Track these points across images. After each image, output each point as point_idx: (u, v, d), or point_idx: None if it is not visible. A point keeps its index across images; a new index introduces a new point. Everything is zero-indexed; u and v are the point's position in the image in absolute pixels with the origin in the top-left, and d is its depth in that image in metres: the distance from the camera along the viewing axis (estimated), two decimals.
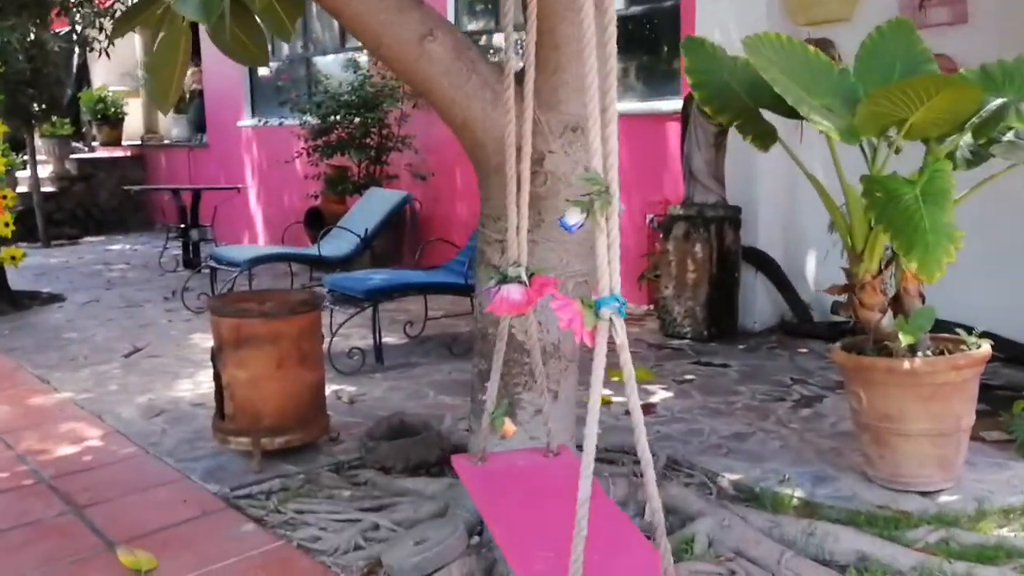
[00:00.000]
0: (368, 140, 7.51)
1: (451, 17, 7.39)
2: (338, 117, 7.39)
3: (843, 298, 3.17)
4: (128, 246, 10.76)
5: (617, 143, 1.49)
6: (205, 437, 3.75)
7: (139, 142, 12.38)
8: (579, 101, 2.55)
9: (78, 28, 5.83)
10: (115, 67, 11.62)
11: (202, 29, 2.54)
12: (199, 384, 4.70)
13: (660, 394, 4.35)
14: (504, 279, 2.00)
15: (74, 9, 5.73)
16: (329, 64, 9.05)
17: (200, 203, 8.52)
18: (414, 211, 7.55)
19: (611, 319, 1.43)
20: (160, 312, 6.64)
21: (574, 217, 1.53)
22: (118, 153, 12.33)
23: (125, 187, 8.78)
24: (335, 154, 7.58)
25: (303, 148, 7.75)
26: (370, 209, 6.91)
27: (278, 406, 3.41)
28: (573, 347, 2.76)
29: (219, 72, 10.49)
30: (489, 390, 2.12)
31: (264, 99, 10.34)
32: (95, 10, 5.78)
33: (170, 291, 7.40)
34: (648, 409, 4.07)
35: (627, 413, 1.65)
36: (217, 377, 3.47)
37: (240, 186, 8.92)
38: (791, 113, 2.94)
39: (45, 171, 11.41)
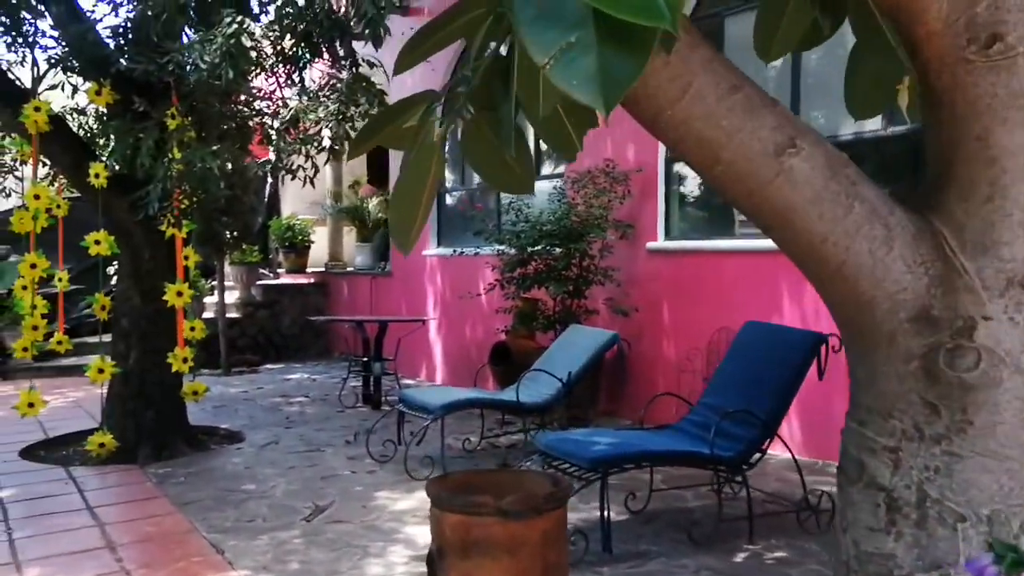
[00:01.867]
0: (567, 272, 6.82)
1: None
2: (538, 248, 6.76)
3: None
4: (307, 375, 10.45)
5: None
6: None
7: (323, 269, 12.33)
8: None
9: (283, 156, 5.49)
10: (304, 196, 11.71)
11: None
12: (391, 568, 3.92)
13: None
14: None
15: (276, 137, 5.41)
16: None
17: (385, 335, 8.03)
18: (621, 353, 6.72)
19: None
20: (342, 460, 6.01)
21: None
22: (302, 280, 12.30)
23: (310, 318, 8.46)
24: (532, 287, 6.91)
25: (497, 279, 7.14)
26: (572, 349, 6.13)
27: None
28: None
29: None
30: None
31: (450, 227, 9.98)
32: (301, 136, 5.44)
33: (352, 433, 6.81)
34: None
35: None
36: None
37: (426, 318, 8.41)
38: None
39: (231, 297, 11.46)
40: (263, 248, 12.54)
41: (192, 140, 5.46)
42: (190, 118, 5.29)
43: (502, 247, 7.13)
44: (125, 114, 5.42)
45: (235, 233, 9.54)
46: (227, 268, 10.99)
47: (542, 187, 8.48)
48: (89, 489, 5.38)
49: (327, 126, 5.14)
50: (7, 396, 9.48)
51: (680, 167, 6.94)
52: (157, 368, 6.40)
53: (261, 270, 12.37)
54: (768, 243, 2.11)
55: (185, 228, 5.87)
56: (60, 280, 5.91)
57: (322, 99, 5.35)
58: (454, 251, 7.83)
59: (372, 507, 4.88)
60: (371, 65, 5.84)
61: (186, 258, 6.07)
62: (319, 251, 12.66)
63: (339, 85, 5.30)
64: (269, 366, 11.28)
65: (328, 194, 12.01)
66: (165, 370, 6.40)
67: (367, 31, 5.22)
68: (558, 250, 6.74)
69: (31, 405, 5.64)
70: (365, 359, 8.16)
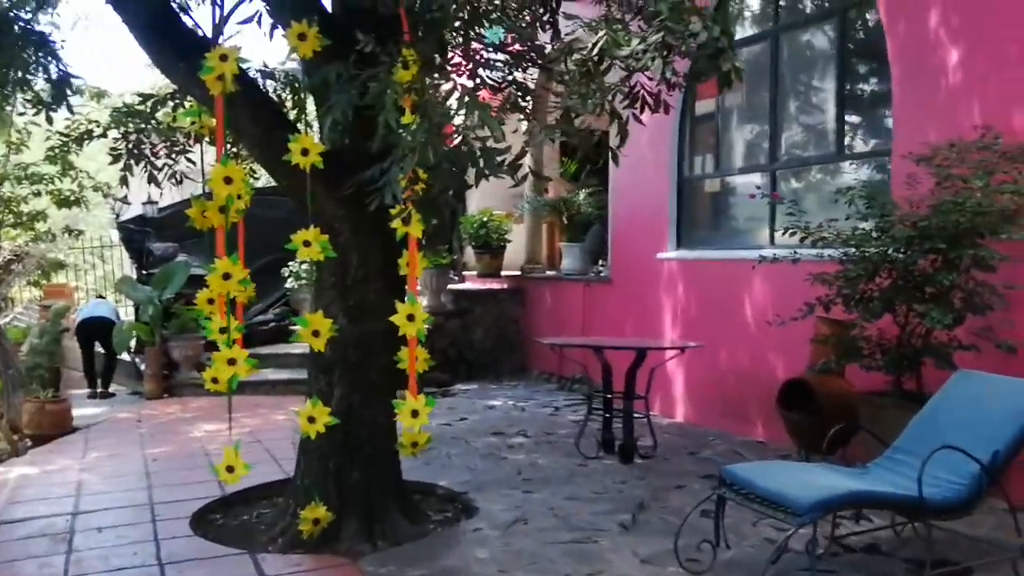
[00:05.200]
0: (952, 290, 4.67)
1: None
2: (900, 254, 4.67)
3: None
4: (510, 401, 8.71)
5: None
6: None
7: (519, 273, 10.60)
8: None
9: (578, 113, 3.64)
10: (493, 187, 10.02)
11: None
12: None
13: None
14: None
15: (575, 85, 3.57)
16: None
17: (643, 365, 6.13)
18: None
19: None
20: (631, 563, 4.12)
21: None
22: (495, 286, 10.61)
23: (551, 344, 6.65)
24: (885, 311, 4.84)
25: (827, 295, 5.08)
26: (979, 411, 4.03)
27: None
28: None
29: (633, 191, 8.37)
30: None
31: (696, 225, 8.00)
32: (595, 86, 3.58)
33: (623, 508, 4.94)
34: None
35: None
36: None
37: (692, 344, 6.46)
38: None
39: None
40: (449, 248, 10.95)
41: (431, 96, 3.72)
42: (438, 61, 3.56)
43: (830, 251, 5.08)
44: (345, 57, 3.73)
45: (429, 231, 7.92)
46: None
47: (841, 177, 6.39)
48: None
49: (651, 62, 3.26)
50: (174, 419, 8.20)
51: None
52: (368, 412, 4.75)
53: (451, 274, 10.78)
54: None
55: (413, 224, 4.13)
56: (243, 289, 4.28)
57: (628, 28, 3.52)
58: (765, 258, 5.62)
59: None
60: None
61: (405, 264, 4.36)
62: (513, 252, 10.95)
63: (655, 6, 3.42)
64: (461, 386, 9.65)
65: (531, 186, 10.22)
66: (378, 413, 4.76)
67: None
68: (930, 256, 4.62)
69: (231, 470, 4.06)
70: (607, 395, 6.30)
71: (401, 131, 3.39)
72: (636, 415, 6.19)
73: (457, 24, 3.83)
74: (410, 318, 4.09)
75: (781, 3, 7.08)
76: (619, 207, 8.79)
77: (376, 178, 3.54)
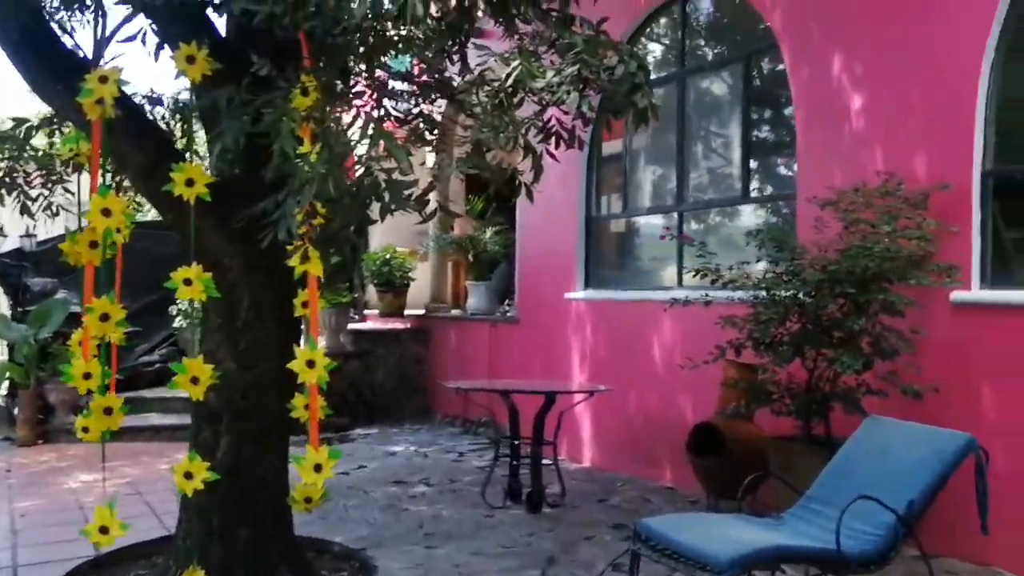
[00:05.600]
0: (861, 335, 4.64)
1: None
2: (810, 297, 4.63)
3: None
4: (413, 446, 8.39)
5: None
6: None
7: (423, 312, 10.32)
8: None
9: (488, 145, 3.45)
10: (402, 224, 9.76)
11: None
12: None
13: None
14: None
15: (486, 115, 3.37)
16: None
17: (551, 409, 5.93)
18: (980, 466, 4.45)
19: None
20: None
21: None
22: (399, 325, 10.29)
23: (456, 388, 6.34)
24: (797, 356, 4.78)
25: (737, 338, 4.99)
26: (892, 460, 3.97)
27: None
28: None
29: (541, 230, 8.24)
30: None
31: (604, 264, 7.92)
32: (507, 117, 3.40)
33: (535, 566, 4.68)
34: None
35: None
36: None
37: (602, 388, 6.30)
38: None
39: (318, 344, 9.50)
40: (350, 286, 10.58)
41: (330, 121, 3.48)
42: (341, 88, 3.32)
43: (740, 293, 5.01)
44: (238, 81, 3.45)
45: (329, 267, 7.59)
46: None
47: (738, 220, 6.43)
48: None
49: (566, 96, 3.10)
50: (48, 469, 7.54)
51: (1007, 178, 4.83)
52: (257, 464, 4.38)
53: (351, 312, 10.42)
54: None
55: (312, 262, 3.83)
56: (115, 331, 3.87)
57: (542, 60, 3.36)
58: (677, 300, 5.37)
59: None
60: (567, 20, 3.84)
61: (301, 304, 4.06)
62: (417, 291, 10.67)
63: (569, 39, 3.28)
64: (361, 431, 9.26)
65: (435, 222, 9.98)
66: (269, 466, 4.40)
67: None
68: (840, 301, 4.59)
69: (104, 531, 3.61)
70: (514, 441, 6.06)
71: (299, 160, 3.12)
72: (544, 461, 5.98)
73: (361, 50, 3.60)
74: (310, 364, 3.77)
75: (686, 47, 7.13)
76: (527, 245, 8.65)
77: (270, 211, 3.25)
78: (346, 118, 3.75)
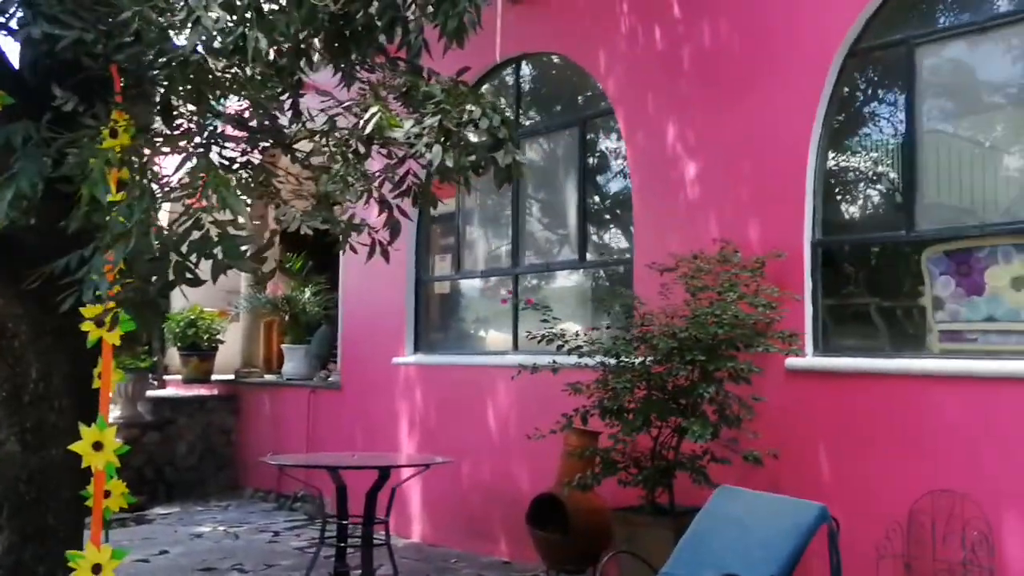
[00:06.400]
0: (709, 403, 4.58)
1: None
2: (660, 364, 4.53)
3: None
4: (221, 526, 7.62)
5: None
6: None
7: (232, 378, 9.56)
8: None
9: (340, 199, 3.09)
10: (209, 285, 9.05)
11: None
12: None
13: None
14: None
15: (338, 165, 3.02)
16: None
17: (384, 485, 5.49)
18: (832, 535, 4.41)
19: None
20: None
21: None
22: (204, 392, 9.45)
23: (271, 461, 5.75)
24: (646, 425, 4.64)
25: (583, 406, 4.80)
26: (746, 531, 3.89)
27: None
28: None
29: (368, 290, 7.84)
30: None
31: (434, 327, 7.62)
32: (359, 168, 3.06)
33: None
34: None
35: None
36: None
37: (441, 460, 5.90)
38: None
39: (112, 415, 8.51)
40: (149, 350, 9.64)
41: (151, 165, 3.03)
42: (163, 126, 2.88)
43: (587, 359, 4.84)
44: (37, 117, 2.92)
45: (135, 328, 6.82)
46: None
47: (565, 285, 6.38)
48: None
49: (425, 149, 2.81)
50: None
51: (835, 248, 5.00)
52: (42, 566, 3.71)
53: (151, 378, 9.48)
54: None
55: (121, 327, 3.28)
56: None
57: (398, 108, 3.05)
58: (524, 367, 5.09)
59: None
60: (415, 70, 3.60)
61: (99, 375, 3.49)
62: (227, 354, 9.88)
63: (426, 88, 3.02)
64: (160, 510, 8.35)
65: (245, 280, 9.31)
66: (56, 567, 3.72)
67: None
68: (688, 368, 4.52)
69: None
70: (342, 521, 5.55)
71: (114, 210, 2.64)
72: (376, 541, 5.51)
73: (188, 87, 3.16)
74: (97, 446, 3.20)
75: (521, 109, 7.08)
76: (351, 307, 8.19)
77: (72, 269, 2.73)
78: (169, 163, 3.30)
